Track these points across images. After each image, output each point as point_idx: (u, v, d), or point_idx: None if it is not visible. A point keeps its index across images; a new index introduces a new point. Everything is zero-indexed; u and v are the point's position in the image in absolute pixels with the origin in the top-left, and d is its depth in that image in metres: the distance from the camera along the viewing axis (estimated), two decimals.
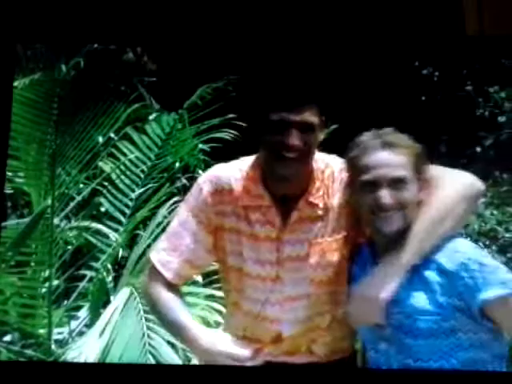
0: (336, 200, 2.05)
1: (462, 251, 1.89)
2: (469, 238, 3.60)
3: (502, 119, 3.67)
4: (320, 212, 2.05)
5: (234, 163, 2.14)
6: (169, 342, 2.85)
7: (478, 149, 3.68)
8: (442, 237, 1.91)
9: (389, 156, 1.91)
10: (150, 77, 3.72)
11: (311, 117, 1.97)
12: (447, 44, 3.06)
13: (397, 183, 1.90)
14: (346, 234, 2.06)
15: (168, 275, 2.09)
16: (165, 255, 2.10)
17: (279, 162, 1.98)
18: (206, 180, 2.11)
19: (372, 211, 1.91)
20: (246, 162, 2.12)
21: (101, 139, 3.50)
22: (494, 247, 3.53)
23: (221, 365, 2.00)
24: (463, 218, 1.98)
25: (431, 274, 1.89)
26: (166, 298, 2.08)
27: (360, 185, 1.92)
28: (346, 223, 2.06)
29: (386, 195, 1.89)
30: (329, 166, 2.07)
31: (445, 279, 1.87)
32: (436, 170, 2.00)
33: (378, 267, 1.94)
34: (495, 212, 3.58)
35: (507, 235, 3.53)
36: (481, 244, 3.56)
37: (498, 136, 3.64)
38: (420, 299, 1.89)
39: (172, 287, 2.09)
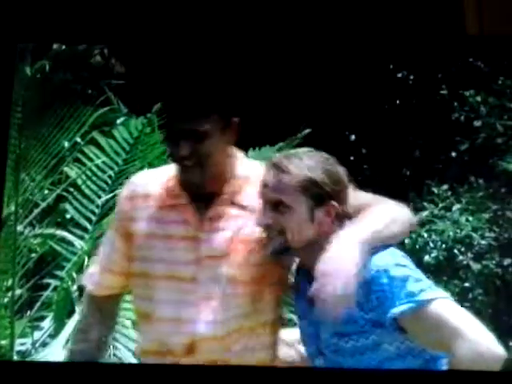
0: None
1: (375, 263, 1.84)
2: (444, 245, 3.60)
3: (477, 124, 3.66)
4: (240, 210, 2.01)
5: (151, 171, 2.19)
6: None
7: (454, 153, 3.67)
8: (384, 242, 1.88)
9: (273, 178, 1.90)
10: (118, 80, 3.68)
11: (203, 125, 1.95)
12: (447, 43, 3.04)
13: (278, 206, 1.89)
14: None
15: (90, 287, 2.10)
16: (89, 270, 2.14)
17: (180, 169, 2.00)
18: (125, 188, 2.12)
19: None
20: (162, 168, 2.13)
21: (67, 144, 3.43)
22: (469, 254, 3.52)
23: (221, 365, 1.98)
24: (404, 232, 1.96)
25: None
26: (85, 311, 2.13)
27: None
28: None
29: (265, 216, 1.90)
30: (250, 168, 2.06)
31: (362, 292, 1.82)
32: (366, 197, 1.99)
33: (335, 243, 1.88)
34: (470, 218, 3.56)
35: (483, 242, 3.51)
36: (456, 251, 3.55)
37: (474, 141, 3.63)
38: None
39: (97, 299, 2.11)
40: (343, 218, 1.92)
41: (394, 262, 1.85)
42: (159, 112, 3.49)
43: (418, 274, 1.84)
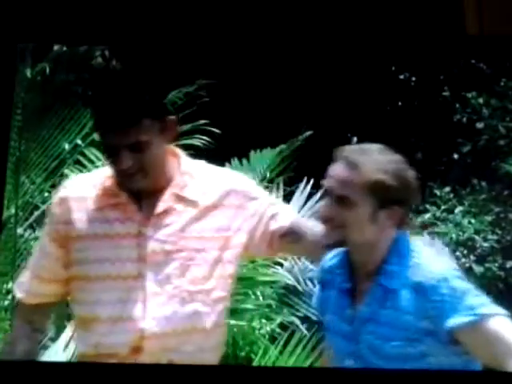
0: (211, 199, 2.01)
1: (436, 272, 1.83)
2: (447, 248, 3.58)
3: (479, 125, 3.65)
4: (186, 205, 2.00)
5: (85, 174, 2.20)
6: None
7: (456, 155, 3.66)
8: None
9: (343, 172, 1.85)
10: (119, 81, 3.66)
11: (139, 135, 1.91)
12: (448, 44, 3.03)
13: (341, 200, 1.85)
14: (230, 235, 2.01)
15: (19, 295, 2.08)
16: (19, 278, 2.12)
17: (122, 179, 1.96)
18: (58, 191, 2.08)
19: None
20: (98, 171, 2.14)
21: (67, 146, 3.41)
22: (471, 257, 3.50)
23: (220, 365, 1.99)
24: None
25: (406, 295, 1.83)
26: (14, 322, 2.13)
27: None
28: (228, 225, 2.02)
29: (327, 207, 1.87)
30: (201, 166, 2.06)
31: (419, 299, 1.81)
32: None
33: None
34: (473, 221, 3.55)
35: (485, 244, 3.50)
36: (458, 253, 3.53)
37: (476, 142, 3.61)
38: (390, 320, 1.84)
39: (27, 309, 2.08)
40: (404, 224, 1.90)
41: (452, 272, 1.84)
42: None
43: (474, 288, 1.83)
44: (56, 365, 2.11)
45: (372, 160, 1.86)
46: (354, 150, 1.88)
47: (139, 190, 1.99)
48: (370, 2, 2.82)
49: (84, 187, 2.03)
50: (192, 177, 2.03)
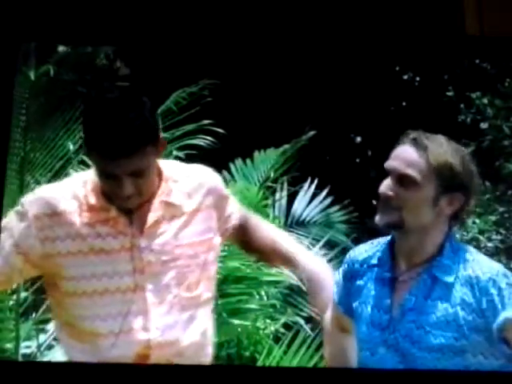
0: (194, 202, 2.03)
1: (489, 266, 1.86)
2: None
3: (484, 126, 3.64)
4: (177, 211, 2.01)
5: (62, 184, 2.07)
6: None
7: None
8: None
9: (410, 153, 1.88)
10: (123, 81, 3.66)
11: (142, 162, 1.90)
12: (447, 43, 3.03)
13: (404, 180, 1.86)
14: (212, 236, 2.04)
15: None
16: None
17: (118, 200, 1.95)
18: (32, 203, 2.01)
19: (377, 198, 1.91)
20: (77, 180, 2.04)
21: (72, 146, 3.41)
22: None
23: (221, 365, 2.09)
24: None
25: (458, 287, 1.85)
26: None
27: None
28: (211, 226, 2.05)
29: (388, 186, 1.87)
30: (178, 167, 2.07)
31: (471, 292, 1.83)
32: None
33: None
34: (477, 221, 3.54)
35: (489, 244, 3.49)
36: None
37: (480, 143, 3.61)
38: (438, 311, 1.85)
39: None
40: (461, 215, 1.92)
41: (504, 269, 1.86)
42: (163, 114, 3.48)
43: None
44: (56, 365, 2.10)
45: (441, 144, 1.90)
46: (422, 135, 1.91)
47: (130, 207, 1.99)
48: (372, 3, 2.83)
49: (63, 201, 1.99)
50: (174, 181, 2.04)
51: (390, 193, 1.87)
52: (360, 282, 1.97)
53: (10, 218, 2.04)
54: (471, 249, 1.95)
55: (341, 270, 2.06)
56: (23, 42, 2.90)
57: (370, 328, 1.93)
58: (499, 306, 1.79)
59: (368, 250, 2.01)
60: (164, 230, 2.00)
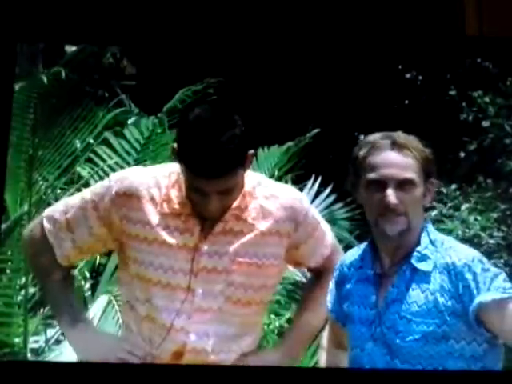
0: (269, 224, 2.02)
1: (465, 252, 1.90)
2: None
3: (485, 124, 3.65)
4: (247, 228, 2.01)
5: (149, 170, 2.10)
6: None
7: (462, 154, 3.66)
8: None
9: (398, 157, 1.89)
10: (129, 80, 3.68)
11: (230, 182, 1.93)
12: (447, 44, 3.04)
13: (404, 185, 1.89)
14: (277, 264, 2.03)
15: (58, 253, 2.06)
16: (59, 231, 2.07)
17: (204, 212, 1.98)
18: (118, 180, 2.05)
19: (378, 212, 1.90)
20: (163, 170, 2.07)
21: (79, 144, 3.44)
22: None
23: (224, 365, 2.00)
24: None
25: (436, 275, 1.89)
26: (55, 274, 2.07)
27: (366, 184, 1.91)
28: (279, 253, 2.04)
29: (392, 195, 1.87)
30: (262, 184, 2.06)
31: (448, 279, 1.87)
32: None
33: None
34: (479, 218, 3.56)
35: (491, 241, 3.51)
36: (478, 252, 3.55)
37: (482, 141, 3.62)
38: (419, 300, 1.89)
39: (58, 264, 2.07)
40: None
41: (480, 255, 1.91)
42: (169, 112, 3.51)
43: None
44: (57, 365, 2.12)
45: (412, 139, 1.95)
46: (392, 135, 1.94)
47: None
48: (374, 3, 2.84)
49: (150, 188, 2.03)
50: (253, 197, 2.03)
51: (396, 201, 1.88)
52: (349, 285, 2.01)
53: (96, 190, 2.08)
54: (447, 237, 1.99)
55: (334, 276, 2.10)
56: (21, 42, 2.92)
57: (358, 325, 1.97)
58: (474, 291, 1.83)
59: (355, 254, 2.04)
60: (228, 241, 2.00)
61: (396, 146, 1.90)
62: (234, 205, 2.00)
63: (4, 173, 2.61)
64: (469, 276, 1.85)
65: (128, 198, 2.03)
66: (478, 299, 1.83)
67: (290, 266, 2.15)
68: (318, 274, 2.13)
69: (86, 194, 2.09)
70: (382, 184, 1.89)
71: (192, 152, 1.92)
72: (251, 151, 1.99)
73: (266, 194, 2.05)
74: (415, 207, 1.91)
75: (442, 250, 1.92)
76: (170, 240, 2.00)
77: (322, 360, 2.13)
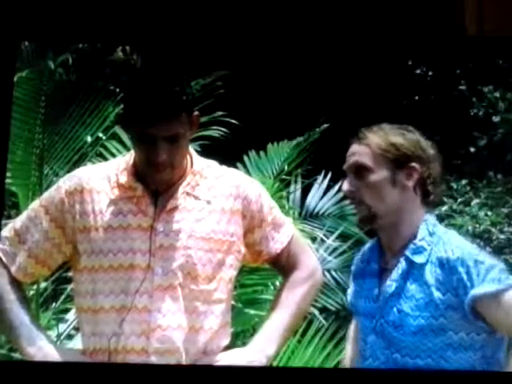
0: (220, 202, 2.05)
1: (460, 246, 1.91)
2: None
3: (496, 119, 3.65)
4: (199, 205, 2.04)
5: (97, 166, 2.20)
6: None
7: (472, 149, 3.66)
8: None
9: (354, 146, 1.99)
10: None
11: (178, 127, 1.96)
12: (446, 44, 3.04)
13: (357, 171, 1.95)
14: (233, 241, 2.05)
15: (14, 269, 2.05)
16: (10, 247, 2.07)
17: (151, 169, 1.99)
18: (66, 180, 2.09)
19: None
20: (111, 163, 2.14)
21: (89, 139, 3.45)
22: (488, 248, 3.51)
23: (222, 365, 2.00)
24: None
25: (431, 268, 1.90)
26: (9, 293, 2.04)
27: None
28: (235, 231, 2.06)
29: (346, 183, 1.98)
30: (212, 166, 2.10)
31: (442, 273, 1.88)
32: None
33: None
34: (489, 213, 3.56)
35: (501, 236, 3.51)
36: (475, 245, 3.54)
37: (492, 136, 3.62)
38: (414, 294, 1.91)
39: (15, 282, 2.05)
40: (428, 186, 1.98)
41: (474, 246, 1.94)
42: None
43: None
44: (57, 365, 2.12)
45: (382, 129, 2.00)
46: (364, 130, 2.01)
47: (158, 184, 2.03)
48: (376, 4, 2.84)
49: (96, 180, 2.06)
50: (203, 177, 2.07)
51: (352, 188, 1.96)
52: (360, 279, 2.05)
53: (45, 197, 2.10)
54: (450, 231, 2.01)
55: (351, 270, 2.14)
56: (22, 40, 2.93)
57: (362, 318, 2.01)
58: (468, 284, 1.85)
59: (368, 249, 2.08)
60: (182, 218, 2.02)
61: (358, 138, 1.99)
62: (185, 182, 2.04)
63: (4, 173, 2.62)
64: (462, 269, 1.86)
65: (79, 193, 2.05)
66: (471, 292, 1.85)
67: (254, 258, 2.14)
68: (285, 273, 2.14)
69: (35, 204, 2.11)
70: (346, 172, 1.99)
71: (138, 99, 1.97)
72: (197, 113, 2.02)
73: (216, 174, 2.09)
74: (374, 192, 1.95)
75: (440, 243, 1.94)
76: (124, 223, 2.02)
77: (348, 351, 2.15)
